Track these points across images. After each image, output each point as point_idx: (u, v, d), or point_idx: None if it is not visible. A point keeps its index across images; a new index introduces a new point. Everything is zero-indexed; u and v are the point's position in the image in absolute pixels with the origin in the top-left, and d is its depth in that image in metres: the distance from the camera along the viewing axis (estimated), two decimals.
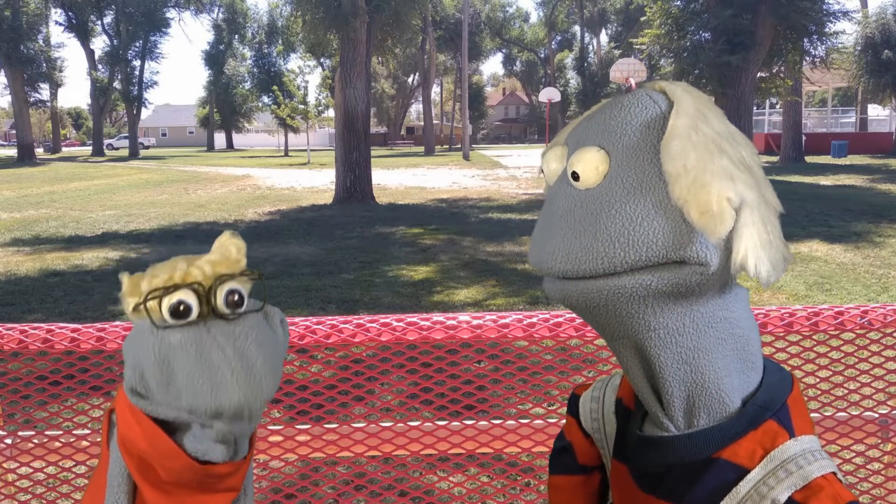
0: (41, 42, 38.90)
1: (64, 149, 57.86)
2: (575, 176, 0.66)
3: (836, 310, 1.49)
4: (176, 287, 0.67)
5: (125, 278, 0.70)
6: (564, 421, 0.96)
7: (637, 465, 0.76)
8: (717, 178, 0.61)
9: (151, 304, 0.68)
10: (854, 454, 1.55)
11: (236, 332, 0.67)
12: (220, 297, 0.68)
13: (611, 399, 0.87)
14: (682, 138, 0.62)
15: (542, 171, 0.76)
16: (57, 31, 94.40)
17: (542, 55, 61.50)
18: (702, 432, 0.68)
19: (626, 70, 24.97)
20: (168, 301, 0.67)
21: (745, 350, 0.69)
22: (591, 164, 0.65)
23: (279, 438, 1.55)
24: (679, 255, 0.62)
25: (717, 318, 0.67)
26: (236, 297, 0.69)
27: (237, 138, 62.85)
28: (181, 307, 0.66)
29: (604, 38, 55.61)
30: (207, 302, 0.67)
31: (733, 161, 0.63)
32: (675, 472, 0.70)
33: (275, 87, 39.77)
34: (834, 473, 0.66)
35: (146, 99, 48.02)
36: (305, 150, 38.24)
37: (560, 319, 1.47)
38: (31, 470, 1.57)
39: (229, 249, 0.72)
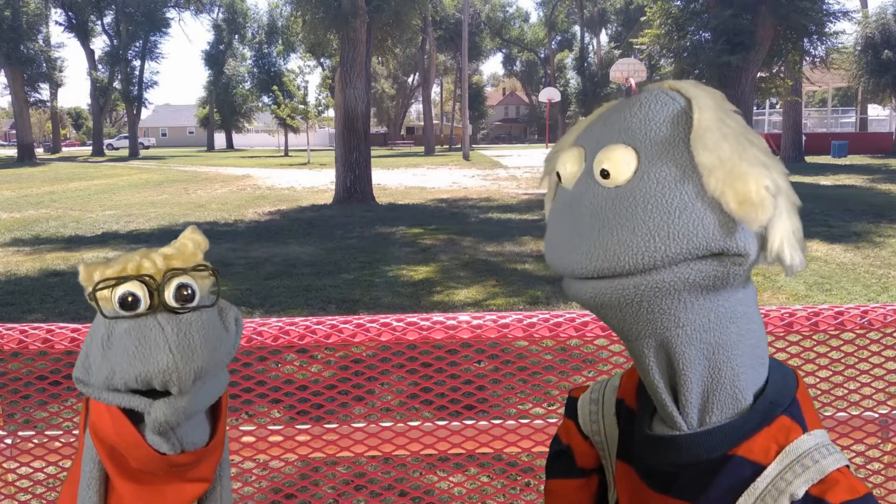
0: (41, 42, 38.89)
1: (64, 149, 57.85)
2: (604, 174, 0.65)
3: (836, 310, 1.49)
4: (126, 279, 0.68)
5: (82, 267, 0.71)
6: (563, 417, 0.96)
7: (646, 465, 0.75)
8: (753, 167, 0.61)
9: (103, 293, 0.68)
10: (854, 454, 1.55)
11: (182, 319, 0.68)
12: (169, 290, 0.68)
13: (610, 400, 0.87)
14: (714, 130, 0.62)
15: (549, 175, 0.75)
16: (57, 31, 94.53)
17: (542, 55, 61.51)
18: (716, 429, 0.68)
19: (626, 70, 24.98)
20: (117, 291, 0.67)
21: (758, 346, 0.69)
22: (621, 161, 0.64)
23: (279, 438, 1.55)
24: (720, 247, 0.62)
25: (738, 314, 0.67)
26: (187, 292, 0.69)
27: (237, 138, 62.84)
28: (129, 298, 0.67)
29: (604, 38, 55.63)
30: (157, 294, 0.68)
31: (763, 151, 0.63)
32: (689, 470, 0.70)
33: (275, 87, 39.77)
34: (847, 467, 0.67)
35: (146, 99, 48.03)
36: (305, 150, 38.24)
37: (560, 319, 1.47)
38: (31, 470, 1.57)
39: (186, 244, 0.73)
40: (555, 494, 0.93)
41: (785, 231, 0.64)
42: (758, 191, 0.60)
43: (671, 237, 0.61)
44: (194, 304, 0.69)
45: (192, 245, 0.74)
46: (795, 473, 0.65)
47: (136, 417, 0.69)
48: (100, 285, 0.68)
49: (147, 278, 0.68)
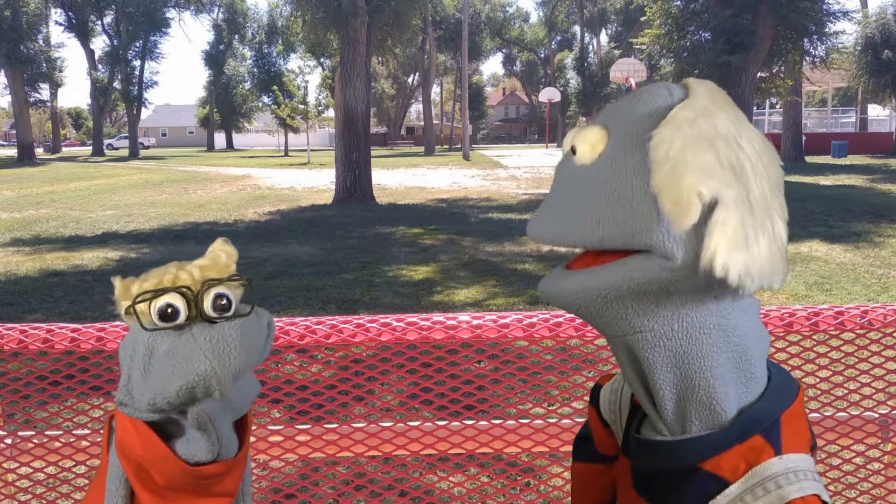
0: (41, 42, 38.87)
1: (64, 149, 57.85)
2: (573, 151, 0.69)
3: (836, 310, 1.49)
4: (165, 290, 0.69)
5: (117, 282, 0.72)
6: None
7: (634, 466, 0.77)
8: (693, 170, 0.60)
9: (142, 306, 0.70)
10: (854, 454, 1.55)
11: (214, 327, 0.69)
12: (207, 300, 0.70)
13: (628, 393, 0.88)
14: (673, 127, 0.62)
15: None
16: (57, 31, 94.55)
17: (542, 55, 61.50)
18: (690, 440, 0.68)
19: (627, 70, 24.99)
20: (157, 304, 0.69)
21: (742, 360, 0.68)
22: (588, 141, 0.67)
23: (279, 438, 1.55)
24: (643, 241, 0.63)
25: (709, 325, 0.66)
26: (224, 302, 0.71)
27: (237, 138, 62.83)
28: (169, 310, 0.69)
29: (604, 38, 55.61)
30: (195, 305, 0.69)
31: (720, 159, 0.61)
32: (664, 476, 0.70)
33: (275, 87, 39.75)
34: (817, 496, 0.64)
35: (146, 99, 48.01)
36: (305, 150, 38.23)
37: (560, 319, 1.47)
38: (31, 470, 1.57)
39: (219, 255, 0.75)
40: (579, 476, 0.96)
41: (721, 242, 0.60)
42: (689, 195, 0.60)
43: (602, 222, 0.64)
44: (231, 312, 0.71)
45: (224, 256, 0.76)
46: (755, 496, 0.64)
47: (163, 433, 0.71)
48: (139, 299, 0.69)
49: (185, 290, 0.70)
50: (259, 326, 0.74)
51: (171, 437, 0.71)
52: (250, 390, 0.76)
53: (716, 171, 0.61)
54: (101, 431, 0.80)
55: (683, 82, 0.68)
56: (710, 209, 0.60)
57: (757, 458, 0.66)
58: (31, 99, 38.67)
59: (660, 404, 0.69)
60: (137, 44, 45.52)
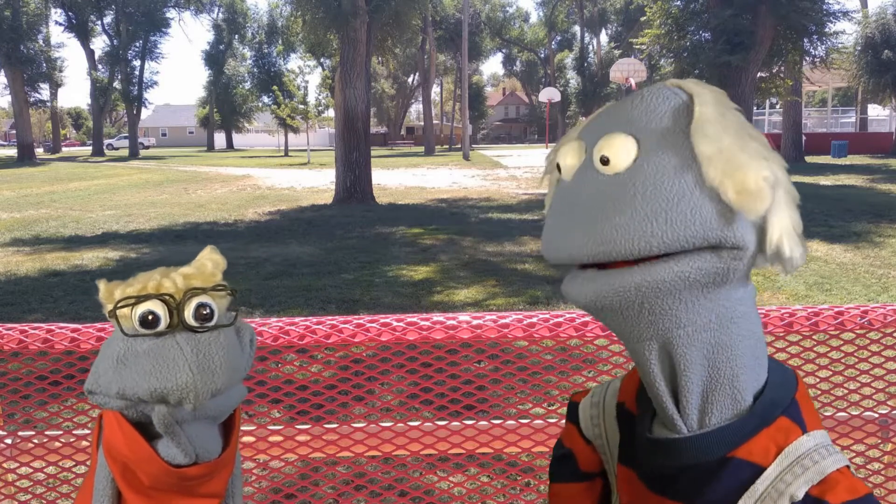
0: (41, 42, 38.88)
1: (64, 149, 57.85)
2: (604, 160, 0.64)
3: (836, 310, 1.49)
4: (147, 297, 0.69)
5: (102, 285, 0.72)
6: (565, 422, 0.95)
7: (647, 469, 0.75)
8: (753, 158, 0.62)
9: (123, 311, 0.70)
10: (854, 454, 1.55)
11: (200, 338, 0.69)
12: (189, 309, 0.70)
13: (611, 404, 0.86)
14: (714, 122, 0.63)
15: (550, 171, 0.75)
16: (57, 31, 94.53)
17: (542, 55, 61.50)
18: (715, 432, 0.67)
19: (626, 70, 24.98)
20: (138, 310, 0.69)
21: (757, 347, 0.69)
22: (622, 148, 0.64)
23: (279, 438, 1.55)
24: (717, 237, 0.62)
25: (738, 314, 0.67)
26: (206, 311, 0.71)
27: (237, 138, 62.83)
28: (150, 317, 0.69)
29: (604, 38, 55.62)
30: (177, 313, 0.69)
31: (763, 145, 0.64)
32: (689, 473, 0.69)
33: (275, 87, 39.75)
34: (847, 467, 0.66)
35: (146, 99, 48.03)
36: (305, 150, 38.23)
37: (560, 319, 1.47)
38: (31, 470, 1.57)
39: (205, 264, 0.75)
40: (559, 498, 0.92)
41: (784, 224, 0.64)
42: (756, 181, 0.61)
43: (668, 223, 0.61)
44: (213, 323, 0.71)
45: (211, 265, 0.75)
46: (795, 475, 0.65)
47: (148, 434, 0.70)
48: (120, 303, 0.69)
49: (167, 297, 0.69)
50: (241, 342, 0.75)
51: (156, 437, 0.71)
52: (232, 399, 0.75)
53: (767, 154, 0.63)
54: (92, 435, 0.80)
55: (673, 83, 0.68)
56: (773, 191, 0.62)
57: (786, 439, 0.67)
58: (31, 99, 38.68)
59: (686, 401, 0.68)
60: (137, 44, 45.53)
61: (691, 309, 0.65)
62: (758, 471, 0.66)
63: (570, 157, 0.70)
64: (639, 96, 0.67)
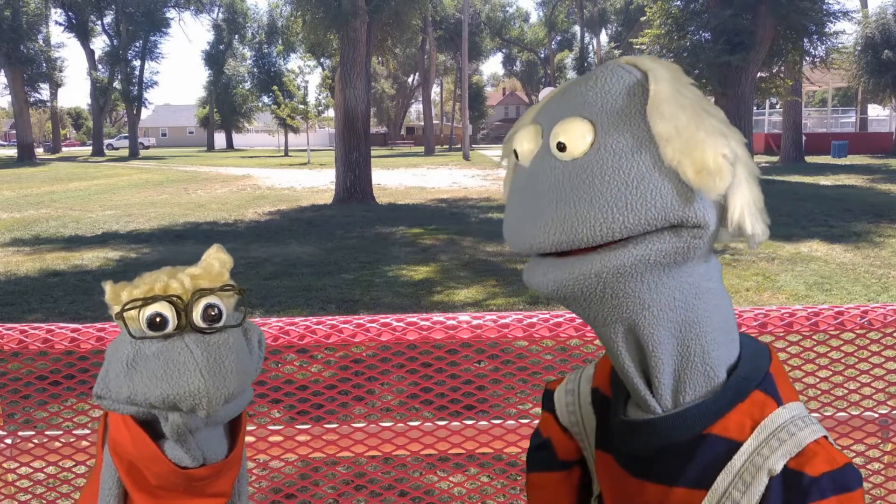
0: (41, 42, 38.89)
1: (64, 149, 57.84)
2: (561, 147, 0.64)
3: (836, 310, 1.49)
4: (154, 299, 0.68)
5: (108, 286, 0.71)
6: (541, 410, 0.94)
7: (624, 452, 0.75)
8: (711, 135, 0.61)
9: (131, 313, 0.68)
10: (854, 454, 1.55)
11: (210, 340, 0.68)
12: (197, 310, 0.69)
13: (586, 390, 0.86)
14: (670, 101, 0.62)
15: (506, 157, 0.74)
16: (57, 31, 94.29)
17: (542, 55, 61.49)
18: (689, 410, 0.67)
19: None
20: (146, 312, 0.68)
21: (726, 322, 0.69)
22: (577, 133, 0.63)
23: (279, 438, 1.55)
24: (678, 217, 0.61)
25: (703, 290, 0.66)
26: (214, 312, 0.69)
27: (237, 138, 62.82)
28: (157, 319, 0.67)
29: (604, 38, 55.64)
30: (185, 315, 0.68)
31: (721, 121, 0.63)
32: (666, 453, 0.69)
33: (275, 87, 39.75)
34: (826, 437, 0.66)
35: (146, 99, 48.06)
36: (305, 150, 38.22)
37: (560, 319, 1.47)
38: (31, 470, 1.57)
39: (212, 264, 0.73)
40: (536, 487, 0.91)
41: (745, 200, 0.63)
42: (715, 159, 0.60)
43: (629, 207, 0.60)
44: (221, 324, 0.70)
45: (218, 264, 0.74)
46: (772, 448, 0.65)
47: (155, 433, 0.70)
48: (128, 306, 0.68)
49: (175, 298, 0.68)
50: (250, 344, 0.74)
51: (162, 437, 0.70)
52: (241, 402, 0.74)
53: (725, 131, 0.62)
54: (98, 434, 0.80)
55: (627, 60, 0.67)
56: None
57: (761, 413, 0.66)
58: (31, 99, 38.68)
59: (657, 381, 0.67)
60: (137, 44, 45.55)
61: (655, 289, 0.64)
62: (734, 446, 0.66)
63: (526, 142, 0.69)
64: (593, 77, 0.66)
